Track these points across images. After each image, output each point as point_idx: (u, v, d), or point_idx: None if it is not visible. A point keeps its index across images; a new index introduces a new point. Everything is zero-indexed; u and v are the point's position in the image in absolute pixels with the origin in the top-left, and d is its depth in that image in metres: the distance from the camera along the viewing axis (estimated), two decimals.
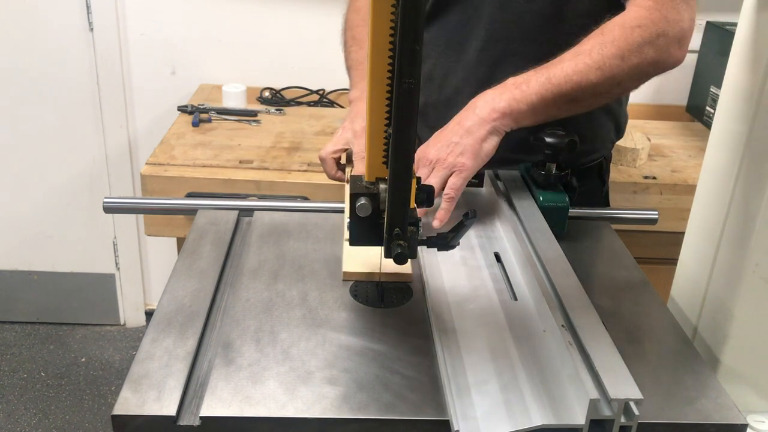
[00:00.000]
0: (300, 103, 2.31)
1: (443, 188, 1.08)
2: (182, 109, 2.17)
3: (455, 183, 1.08)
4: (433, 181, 1.08)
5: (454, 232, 0.90)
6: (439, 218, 1.06)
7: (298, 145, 1.98)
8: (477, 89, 1.17)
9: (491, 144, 1.10)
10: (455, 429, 0.73)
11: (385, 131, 0.80)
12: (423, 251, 1.02)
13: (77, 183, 2.54)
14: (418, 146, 1.16)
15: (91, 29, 2.33)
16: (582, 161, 1.34)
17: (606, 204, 1.48)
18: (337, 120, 2.14)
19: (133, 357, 0.82)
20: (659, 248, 1.67)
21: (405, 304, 0.95)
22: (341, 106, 2.33)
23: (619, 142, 1.91)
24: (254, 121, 2.13)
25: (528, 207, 1.09)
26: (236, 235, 1.11)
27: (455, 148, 1.09)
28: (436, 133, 1.14)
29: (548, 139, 1.10)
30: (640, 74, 1.14)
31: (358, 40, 1.43)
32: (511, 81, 1.13)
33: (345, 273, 1.00)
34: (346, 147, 1.28)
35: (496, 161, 1.14)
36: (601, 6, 1.20)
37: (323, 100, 2.35)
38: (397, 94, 0.73)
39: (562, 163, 1.14)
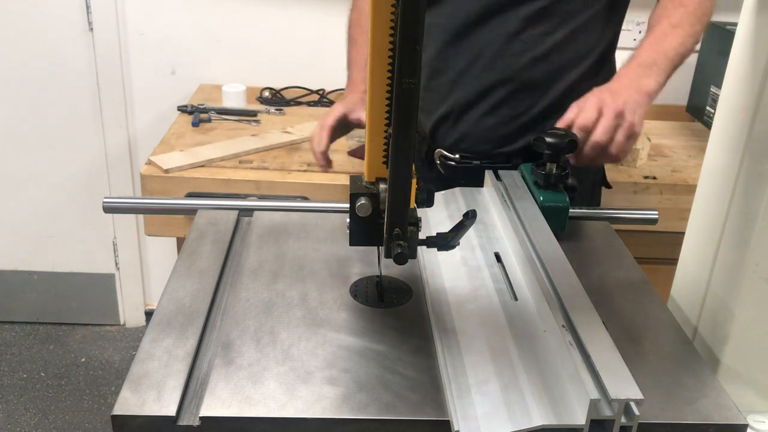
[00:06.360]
0: (300, 103, 2.31)
1: (608, 136, 1.12)
2: (182, 109, 2.17)
3: (630, 146, 1.14)
4: (606, 122, 1.11)
5: (454, 232, 0.90)
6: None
7: (298, 145, 1.98)
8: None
9: None
10: (455, 429, 0.73)
11: (385, 131, 0.80)
12: (423, 251, 1.02)
13: (77, 183, 2.54)
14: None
15: (91, 29, 2.33)
16: None
17: (605, 181, 1.51)
18: None
19: (133, 357, 0.82)
20: (659, 248, 1.67)
21: (405, 304, 0.95)
22: None
23: None
24: (254, 121, 2.13)
25: (528, 207, 1.09)
26: (236, 235, 1.11)
27: (631, 103, 1.13)
28: (613, 87, 1.17)
29: (548, 139, 1.10)
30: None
31: (353, 39, 1.45)
32: (645, 61, 1.20)
33: None
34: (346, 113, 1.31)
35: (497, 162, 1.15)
36: None
37: (323, 100, 2.35)
38: (397, 94, 0.73)
39: (563, 163, 1.14)
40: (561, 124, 1.14)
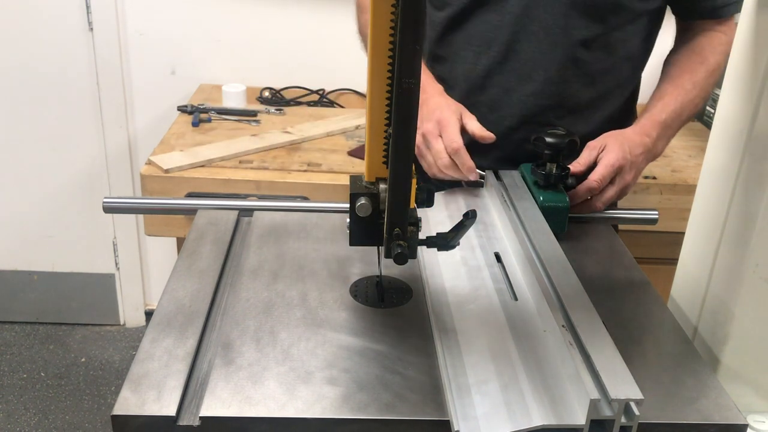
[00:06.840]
0: (300, 103, 2.31)
1: (605, 205, 1.18)
2: (182, 109, 2.17)
3: (610, 201, 1.17)
4: (612, 192, 1.17)
5: (454, 232, 0.90)
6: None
7: (298, 145, 1.98)
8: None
9: None
10: (455, 429, 0.73)
11: (385, 131, 0.80)
12: (423, 251, 1.02)
13: (77, 183, 2.54)
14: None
15: (91, 29, 2.33)
16: None
17: None
18: (339, 120, 2.14)
19: (133, 357, 0.82)
20: (659, 248, 1.67)
21: (405, 304, 0.95)
22: (341, 106, 2.33)
23: None
24: (254, 121, 2.13)
25: (528, 207, 1.09)
26: (236, 235, 1.11)
27: (638, 175, 1.20)
28: (629, 139, 1.19)
29: (548, 139, 1.10)
30: None
31: None
32: (666, 121, 1.23)
33: None
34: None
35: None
36: None
37: (323, 100, 2.35)
38: (397, 94, 0.73)
39: (563, 163, 1.14)
40: (580, 167, 1.16)
